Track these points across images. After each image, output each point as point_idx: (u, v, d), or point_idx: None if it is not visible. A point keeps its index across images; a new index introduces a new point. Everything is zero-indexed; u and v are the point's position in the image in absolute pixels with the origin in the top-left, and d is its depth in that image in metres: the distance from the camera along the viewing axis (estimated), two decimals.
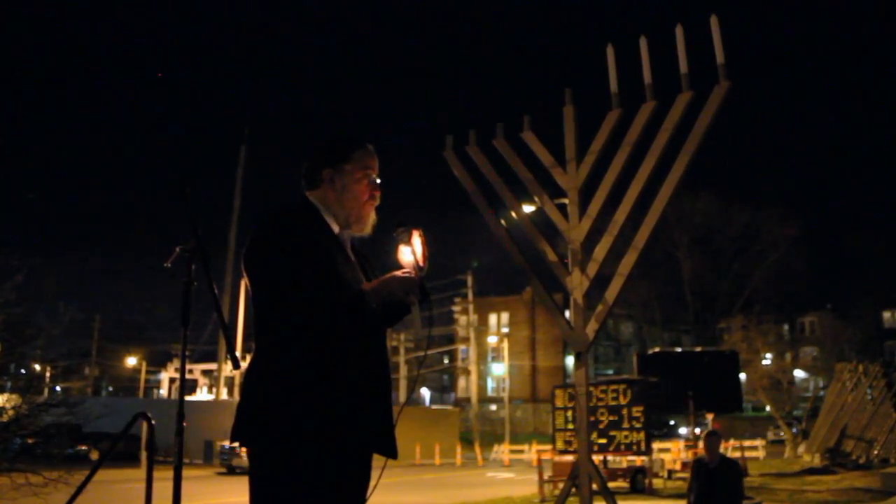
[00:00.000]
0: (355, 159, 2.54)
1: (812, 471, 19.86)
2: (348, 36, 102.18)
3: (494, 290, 59.34)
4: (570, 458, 14.96)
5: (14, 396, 10.24)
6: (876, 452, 20.87)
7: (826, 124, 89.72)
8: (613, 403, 14.65)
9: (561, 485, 14.69)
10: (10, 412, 9.74)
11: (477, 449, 35.47)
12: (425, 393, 65.07)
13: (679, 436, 37.05)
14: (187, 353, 3.09)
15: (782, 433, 36.09)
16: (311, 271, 2.28)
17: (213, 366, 38.70)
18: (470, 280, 46.46)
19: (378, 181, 2.57)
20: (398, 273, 2.38)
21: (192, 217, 2.72)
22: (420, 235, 2.41)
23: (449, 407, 51.55)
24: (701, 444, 8.58)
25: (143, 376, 55.88)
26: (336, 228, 2.51)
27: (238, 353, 2.83)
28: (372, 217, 2.57)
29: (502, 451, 35.04)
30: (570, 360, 54.37)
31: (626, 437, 14.47)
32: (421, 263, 2.39)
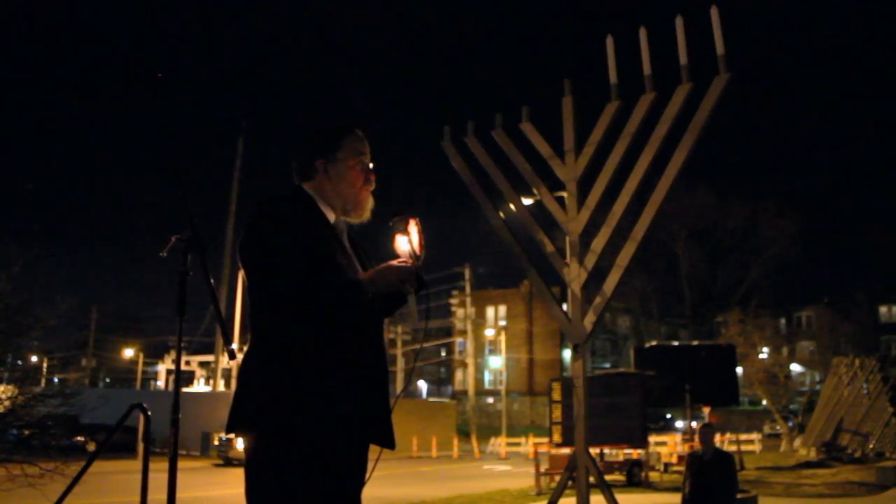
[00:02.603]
0: (346, 146, 2.51)
1: (808, 464, 19.92)
2: (346, 26, 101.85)
3: (492, 283, 59.47)
4: (566, 450, 14.99)
5: (10, 387, 10.20)
6: (871, 446, 20.94)
7: (825, 118, 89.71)
8: None
9: (557, 477, 14.72)
10: (7, 403, 9.71)
11: (474, 441, 35.52)
12: (422, 385, 65.16)
13: (675, 429, 37.13)
14: (184, 345, 3.08)
15: (778, 427, 36.22)
16: (306, 260, 2.26)
17: (210, 357, 38.72)
18: (467, 273, 46.46)
19: (371, 165, 2.54)
20: (394, 262, 2.35)
21: (188, 206, 2.69)
22: (416, 224, 2.38)
23: (446, 399, 51.65)
24: (696, 437, 8.60)
25: (140, 368, 55.86)
26: (332, 218, 2.48)
27: (235, 346, 2.80)
28: (370, 202, 2.55)
29: (499, 443, 35.13)
30: (566, 354, 54.49)
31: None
32: (417, 252, 2.36)
